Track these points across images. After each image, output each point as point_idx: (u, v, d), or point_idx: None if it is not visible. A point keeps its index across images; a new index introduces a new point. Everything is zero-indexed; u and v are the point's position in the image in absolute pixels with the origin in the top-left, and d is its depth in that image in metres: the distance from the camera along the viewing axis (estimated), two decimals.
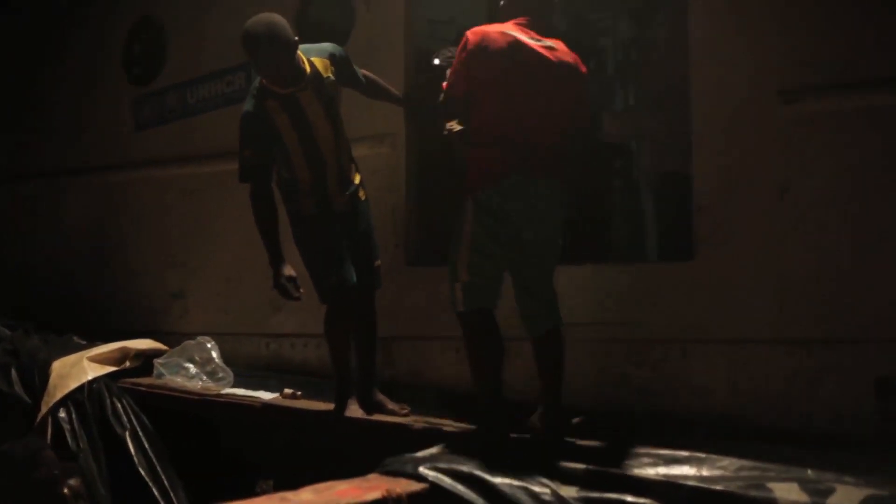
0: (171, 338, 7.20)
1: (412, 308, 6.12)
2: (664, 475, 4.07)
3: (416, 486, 3.96)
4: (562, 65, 4.71)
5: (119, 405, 6.29)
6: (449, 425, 5.01)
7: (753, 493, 3.82)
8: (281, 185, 5.36)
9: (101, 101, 8.59)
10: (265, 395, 6.04)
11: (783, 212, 4.97)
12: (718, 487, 3.90)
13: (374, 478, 4.08)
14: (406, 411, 5.36)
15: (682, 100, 5.42)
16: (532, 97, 4.63)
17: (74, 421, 6.23)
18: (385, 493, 3.78)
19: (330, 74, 5.29)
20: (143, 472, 5.98)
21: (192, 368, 6.48)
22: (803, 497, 3.79)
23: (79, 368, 6.54)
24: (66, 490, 5.39)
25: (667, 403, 5.26)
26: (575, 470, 4.16)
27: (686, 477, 4.03)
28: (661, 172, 6.10)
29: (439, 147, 5.94)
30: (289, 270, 5.16)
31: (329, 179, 5.34)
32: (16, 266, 9.15)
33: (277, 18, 5.03)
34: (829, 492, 3.80)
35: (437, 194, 6.20)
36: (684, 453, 4.23)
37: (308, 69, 5.19)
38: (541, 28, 4.81)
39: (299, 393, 5.96)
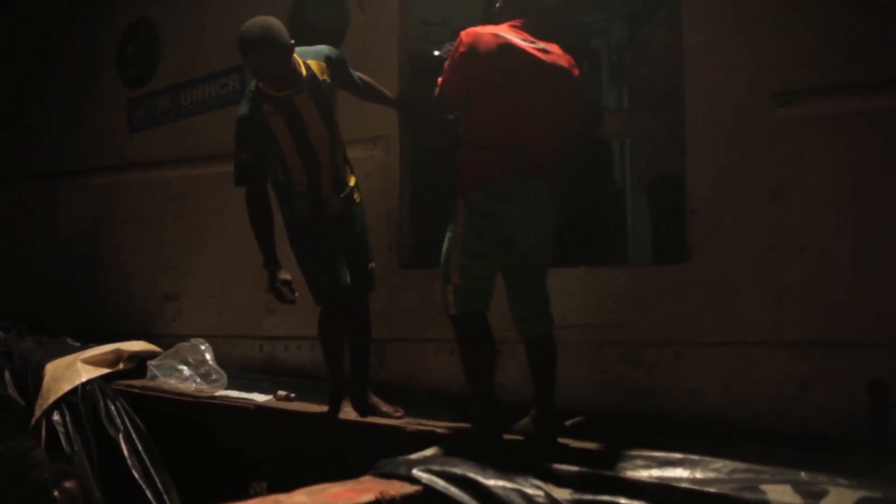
0: (165, 340, 7.21)
1: (406, 310, 6.12)
2: (658, 477, 4.08)
3: (409, 489, 3.96)
4: (555, 67, 4.71)
5: (113, 407, 6.30)
6: (443, 428, 5.01)
7: (747, 495, 3.81)
8: (276, 187, 5.35)
9: (95, 102, 8.58)
10: (259, 397, 6.04)
11: (778, 214, 4.97)
12: (712, 490, 3.89)
13: (367, 480, 4.08)
14: (400, 414, 5.36)
15: (677, 101, 5.42)
16: (524, 99, 4.63)
17: (68, 423, 6.24)
18: (378, 496, 3.78)
19: (326, 77, 5.29)
20: (136, 475, 5.97)
21: (185, 370, 6.48)
22: (797, 499, 3.79)
23: (72, 370, 6.54)
24: (56, 493, 5.37)
25: (661, 406, 5.26)
26: (568, 472, 4.17)
27: (679, 479, 4.05)
28: (656, 174, 6.10)
29: (434, 149, 5.96)
30: (284, 274, 5.16)
31: (324, 182, 5.34)
32: (10, 267, 9.16)
33: (273, 22, 5.03)
34: (823, 494, 3.80)
35: (430, 197, 6.21)
36: (678, 455, 4.25)
37: (304, 72, 5.19)
38: (536, 30, 4.80)
39: (293, 395, 5.96)
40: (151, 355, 6.84)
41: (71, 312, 8.30)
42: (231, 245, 6.93)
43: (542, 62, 4.67)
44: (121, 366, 6.79)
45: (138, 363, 6.83)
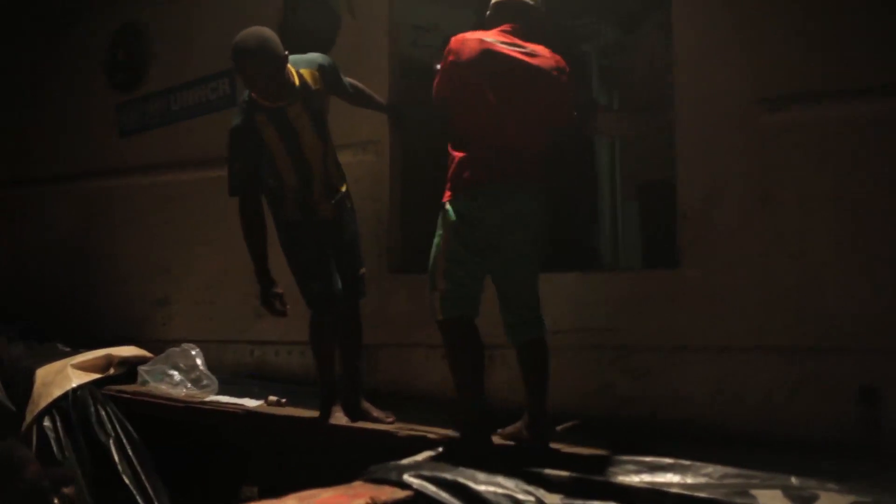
0: (156, 345, 7.19)
1: (396, 315, 6.12)
2: (648, 482, 4.09)
3: (400, 494, 3.95)
4: (541, 70, 4.72)
5: (103, 412, 6.29)
6: (434, 433, 5.00)
7: (737, 500, 3.81)
8: (267, 192, 5.35)
9: (85, 107, 8.58)
10: (250, 403, 6.04)
11: (768, 219, 4.99)
12: (702, 495, 3.89)
13: (358, 485, 4.07)
14: (391, 419, 5.36)
15: (667, 106, 5.44)
16: (508, 103, 4.64)
17: (59, 429, 6.23)
18: (369, 501, 3.78)
19: (318, 86, 5.30)
20: (127, 480, 5.97)
21: (176, 376, 6.46)
22: None
23: (63, 376, 6.53)
24: (56, 499, 5.37)
25: (652, 410, 5.26)
26: (559, 477, 4.16)
27: (670, 484, 4.05)
28: (646, 179, 6.11)
29: (424, 154, 5.96)
30: (276, 287, 5.21)
31: (315, 188, 5.36)
32: (0, 271, 9.13)
33: (268, 33, 5.04)
34: (813, 499, 3.82)
35: (421, 201, 6.21)
36: (668, 460, 4.25)
37: (297, 82, 5.19)
38: (525, 34, 4.83)
39: (284, 400, 5.97)
40: (142, 360, 6.83)
41: (62, 317, 8.28)
42: (222, 249, 6.92)
43: (527, 65, 4.69)
44: (111, 371, 6.78)
45: (129, 368, 6.82)
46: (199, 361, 6.50)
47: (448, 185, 4.70)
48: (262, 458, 5.78)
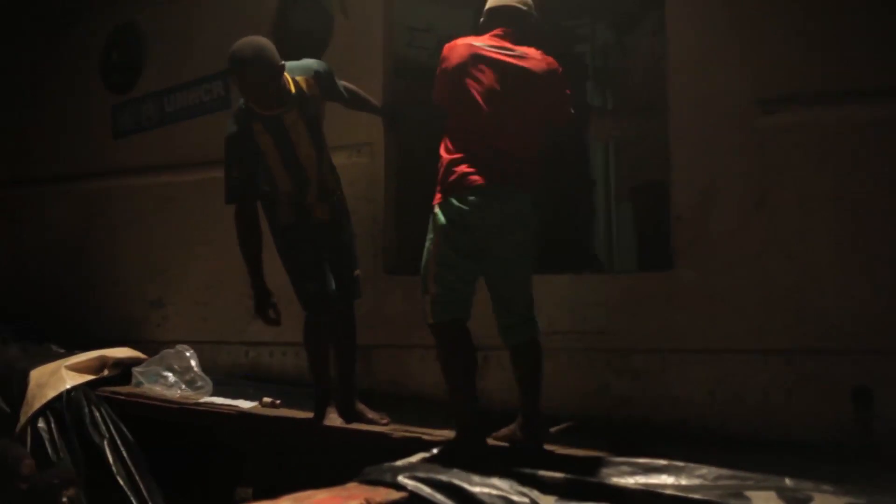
0: (151, 345, 7.19)
1: (391, 316, 6.12)
2: (643, 484, 4.08)
3: (395, 495, 3.97)
4: (531, 73, 4.73)
5: (98, 414, 6.29)
6: (429, 434, 5.00)
7: (732, 502, 3.81)
8: (262, 196, 5.35)
9: (81, 108, 8.59)
10: (244, 404, 6.04)
11: (763, 221, 4.99)
12: (697, 496, 3.89)
13: (353, 487, 4.08)
14: (386, 421, 5.36)
15: (661, 108, 5.44)
16: (497, 106, 4.65)
17: (54, 430, 6.23)
18: (364, 502, 3.80)
19: (314, 92, 5.30)
20: (121, 481, 5.97)
21: (170, 377, 6.45)
22: None
23: (57, 377, 6.52)
24: (65, 499, 5.38)
25: (646, 412, 5.27)
26: (554, 479, 4.16)
27: (665, 486, 4.04)
28: (640, 181, 6.11)
29: (419, 156, 5.96)
30: (270, 296, 5.24)
31: (310, 192, 5.36)
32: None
33: (265, 42, 5.06)
34: (808, 501, 3.81)
35: (416, 203, 6.21)
36: (663, 462, 4.24)
37: (293, 89, 5.20)
38: (516, 38, 4.85)
39: (278, 402, 5.96)
40: (136, 362, 6.82)
41: (59, 317, 8.29)
42: (216, 250, 6.91)
43: (516, 68, 4.71)
44: (105, 372, 6.78)
45: (123, 370, 6.80)
46: (193, 363, 6.50)
47: (438, 188, 4.71)
48: (257, 460, 5.77)
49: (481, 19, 5.03)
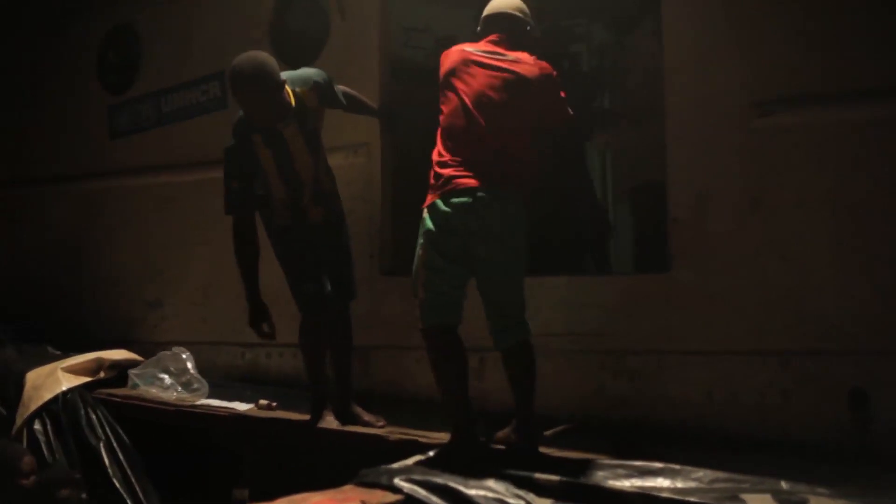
0: (148, 346, 7.19)
1: (388, 318, 6.11)
2: (639, 487, 4.08)
3: (391, 498, 3.96)
4: (522, 77, 4.74)
5: (94, 416, 6.29)
6: (425, 437, 5.00)
7: None
8: (258, 200, 5.36)
9: (78, 108, 8.58)
10: (240, 406, 6.03)
11: (759, 223, 4.99)
12: (693, 499, 3.88)
13: (349, 489, 4.07)
14: (382, 423, 5.35)
15: (659, 110, 5.43)
16: (487, 111, 4.68)
17: (50, 432, 6.23)
18: None
19: (314, 104, 5.31)
20: (117, 483, 5.98)
21: (166, 379, 6.45)
22: None
23: (53, 379, 6.53)
24: (64, 493, 5.40)
25: (643, 414, 5.27)
26: (550, 481, 4.16)
27: (660, 489, 4.03)
28: (638, 183, 6.11)
29: (415, 156, 5.95)
30: (265, 309, 5.30)
31: (304, 196, 5.37)
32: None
33: (265, 58, 5.06)
34: (803, 503, 3.81)
35: (413, 203, 6.19)
36: (659, 465, 4.23)
37: (293, 102, 5.20)
38: (511, 44, 4.88)
39: (274, 404, 5.96)
40: (133, 364, 6.82)
41: (57, 317, 8.28)
42: (214, 251, 6.90)
43: (508, 73, 4.74)
44: (102, 374, 6.77)
45: (119, 372, 6.80)
46: (189, 365, 6.50)
47: (428, 191, 4.72)
48: (254, 462, 5.76)
49: (478, 28, 5.06)
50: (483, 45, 4.87)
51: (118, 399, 6.48)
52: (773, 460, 4.41)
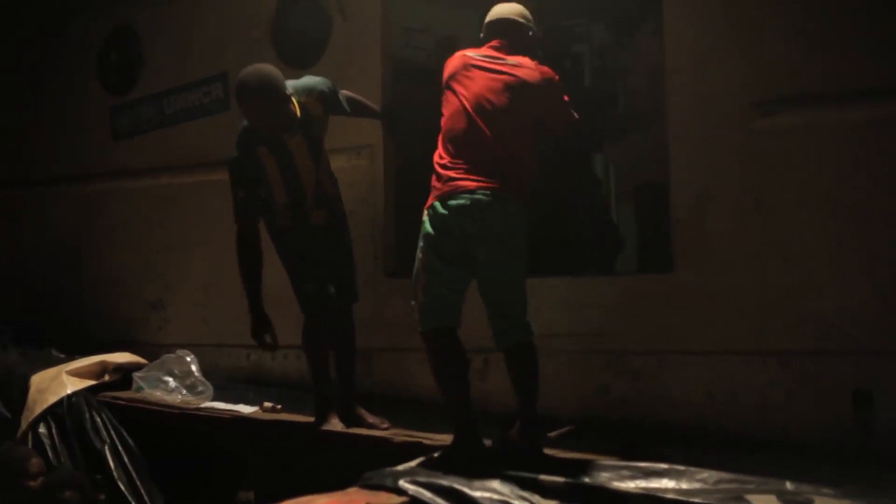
0: (152, 348, 7.21)
1: (391, 319, 6.10)
2: (643, 488, 4.08)
3: (396, 500, 3.98)
4: (522, 81, 4.76)
5: (98, 419, 6.30)
6: (429, 439, 5.01)
7: None
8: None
9: (84, 108, 8.56)
10: (245, 409, 6.04)
11: (761, 223, 4.99)
12: (697, 500, 3.89)
13: (354, 491, 4.09)
14: (386, 425, 5.36)
15: (661, 110, 5.44)
16: (485, 113, 4.69)
17: (55, 435, 6.24)
18: None
19: (318, 114, 5.35)
20: (122, 486, 5.98)
21: (171, 382, 6.47)
22: None
23: (58, 382, 6.54)
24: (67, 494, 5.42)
25: (645, 413, 5.28)
26: (554, 483, 4.16)
27: (665, 490, 4.04)
28: (640, 184, 6.11)
29: (418, 158, 5.96)
30: (267, 320, 5.32)
31: (307, 200, 5.39)
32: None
33: (271, 70, 5.09)
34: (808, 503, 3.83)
35: (416, 205, 6.20)
36: (663, 466, 4.23)
37: (299, 113, 5.23)
38: (513, 49, 4.91)
39: (279, 406, 5.96)
40: (137, 367, 6.83)
41: (59, 319, 8.28)
42: (216, 252, 6.89)
43: (507, 76, 4.76)
44: (106, 377, 6.79)
45: (124, 375, 6.82)
46: (193, 367, 6.52)
47: (430, 193, 4.74)
48: (259, 464, 5.77)
49: (481, 34, 5.09)
50: (484, 51, 4.91)
51: (123, 402, 6.49)
52: (774, 460, 4.42)
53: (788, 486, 3.96)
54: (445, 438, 4.87)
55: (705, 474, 4.13)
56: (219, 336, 7.25)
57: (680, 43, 5.31)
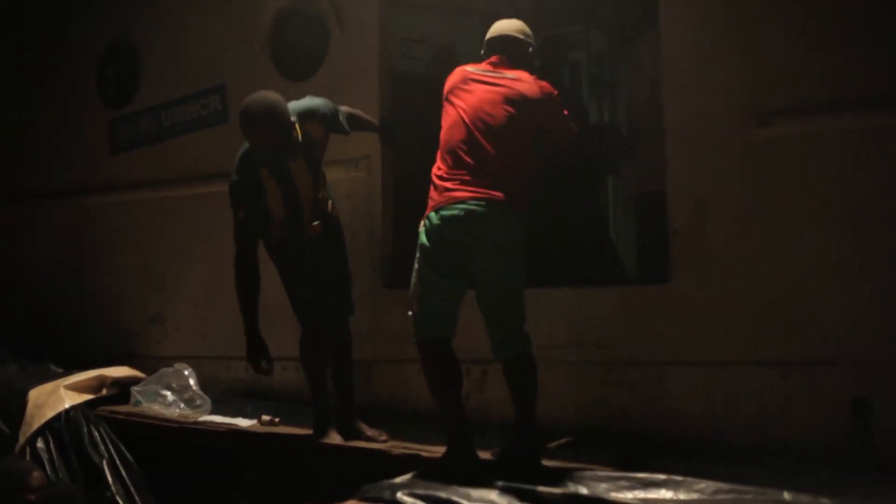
0: (151, 361, 7.20)
1: (390, 331, 6.10)
2: (642, 499, 4.08)
3: None
4: (521, 95, 4.77)
5: (96, 433, 6.27)
6: (427, 451, 4.99)
7: None
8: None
9: (78, 123, 8.58)
10: (243, 422, 6.03)
11: (759, 233, 4.99)
12: None
13: None
14: (384, 437, 5.35)
15: (657, 122, 5.43)
16: (482, 126, 4.71)
17: (53, 450, 6.22)
18: None
19: (320, 137, 5.37)
20: (120, 501, 5.95)
21: (169, 396, 6.46)
22: None
23: (55, 397, 6.52)
24: None
25: (644, 424, 5.26)
26: (552, 494, 4.14)
27: (663, 501, 4.05)
28: (638, 194, 6.11)
29: (415, 170, 5.96)
30: (263, 344, 5.31)
31: (305, 216, 5.40)
32: None
33: (275, 98, 5.09)
34: None
35: (413, 217, 6.20)
36: (661, 476, 4.23)
37: (301, 137, 5.24)
38: (511, 63, 4.93)
39: (277, 419, 5.95)
40: (135, 381, 6.82)
41: (57, 334, 8.27)
42: (215, 265, 6.91)
43: (505, 89, 4.78)
44: (104, 392, 6.76)
45: (122, 389, 6.80)
46: (191, 381, 6.51)
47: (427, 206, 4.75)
48: (257, 478, 5.76)
49: (482, 51, 5.11)
50: (484, 66, 4.95)
51: (121, 416, 6.47)
52: (775, 471, 4.41)
53: (786, 496, 3.94)
54: (443, 450, 4.86)
55: (703, 485, 4.12)
56: (218, 348, 7.23)
57: (677, 52, 5.31)
